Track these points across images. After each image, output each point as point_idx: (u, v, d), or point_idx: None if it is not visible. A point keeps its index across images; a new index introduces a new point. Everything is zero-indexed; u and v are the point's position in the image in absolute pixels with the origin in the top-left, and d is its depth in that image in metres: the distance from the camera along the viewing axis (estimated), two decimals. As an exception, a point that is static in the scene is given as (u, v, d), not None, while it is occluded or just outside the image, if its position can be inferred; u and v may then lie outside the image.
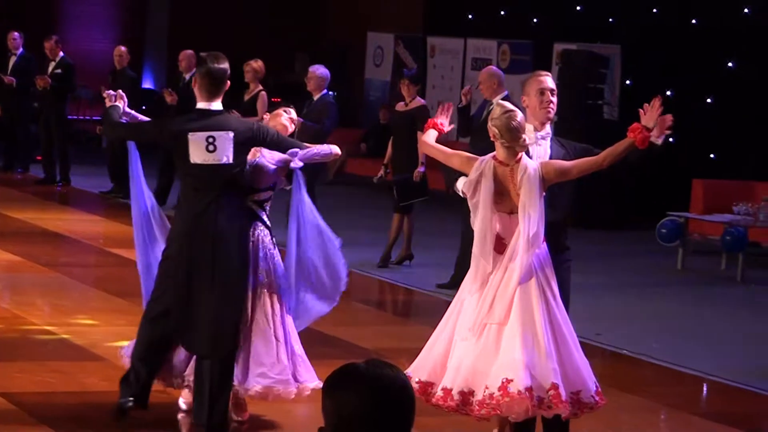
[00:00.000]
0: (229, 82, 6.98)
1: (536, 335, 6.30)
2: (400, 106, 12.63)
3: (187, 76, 15.47)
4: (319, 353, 8.69)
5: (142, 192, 7.23)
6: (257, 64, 14.13)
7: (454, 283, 7.30)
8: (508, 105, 6.60)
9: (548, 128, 6.78)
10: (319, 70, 13.29)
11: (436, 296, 11.02)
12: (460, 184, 6.72)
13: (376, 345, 9.33)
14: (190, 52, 15.72)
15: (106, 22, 25.41)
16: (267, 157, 7.06)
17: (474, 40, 18.50)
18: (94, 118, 21.24)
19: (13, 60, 18.15)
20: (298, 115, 13.41)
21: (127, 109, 7.21)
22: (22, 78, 17.81)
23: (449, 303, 6.69)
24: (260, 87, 14.08)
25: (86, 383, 7.84)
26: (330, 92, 13.44)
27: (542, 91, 6.72)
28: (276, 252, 7.17)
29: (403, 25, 20.53)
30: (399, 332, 10.16)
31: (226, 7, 24.65)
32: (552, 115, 6.76)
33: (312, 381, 7.09)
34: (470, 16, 19.27)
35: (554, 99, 6.74)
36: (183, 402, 7.27)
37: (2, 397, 7.48)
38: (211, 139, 6.74)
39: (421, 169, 12.07)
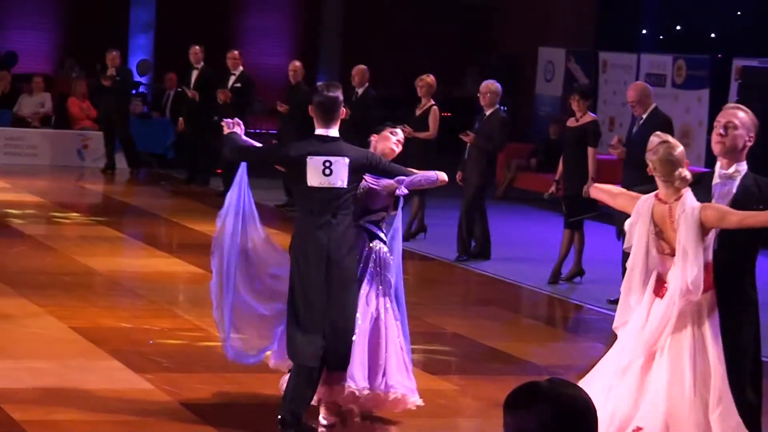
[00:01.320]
0: (344, 110, 7.37)
1: (683, 388, 6.12)
2: (571, 122, 12.58)
3: (360, 91, 15.71)
4: (491, 369, 8.72)
5: (238, 207, 7.47)
6: (430, 78, 14.25)
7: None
8: (666, 135, 6.31)
9: (739, 167, 6.32)
10: (494, 86, 13.33)
11: (607, 313, 10.92)
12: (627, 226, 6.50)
13: (546, 361, 9.32)
14: (363, 66, 15.90)
15: (280, 37, 25.92)
16: (371, 181, 7.43)
17: (648, 56, 18.26)
18: (270, 132, 21.61)
19: (195, 74, 18.56)
20: (470, 129, 13.57)
21: (243, 137, 7.52)
22: (203, 91, 18.14)
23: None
24: (432, 102, 14.19)
25: (264, 395, 8.00)
26: (502, 107, 13.47)
27: (717, 124, 6.37)
28: (393, 266, 7.52)
29: (574, 40, 20.44)
30: (569, 349, 10.12)
31: (398, 21, 24.91)
32: (719, 150, 6.30)
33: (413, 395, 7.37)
34: (644, 31, 19.08)
35: (727, 132, 6.24)
36: (323, 418, 7.44)
37: (184, 407, 7.74)
38: (327, 164, 7.15)
39: (591, 184, 12.02)
